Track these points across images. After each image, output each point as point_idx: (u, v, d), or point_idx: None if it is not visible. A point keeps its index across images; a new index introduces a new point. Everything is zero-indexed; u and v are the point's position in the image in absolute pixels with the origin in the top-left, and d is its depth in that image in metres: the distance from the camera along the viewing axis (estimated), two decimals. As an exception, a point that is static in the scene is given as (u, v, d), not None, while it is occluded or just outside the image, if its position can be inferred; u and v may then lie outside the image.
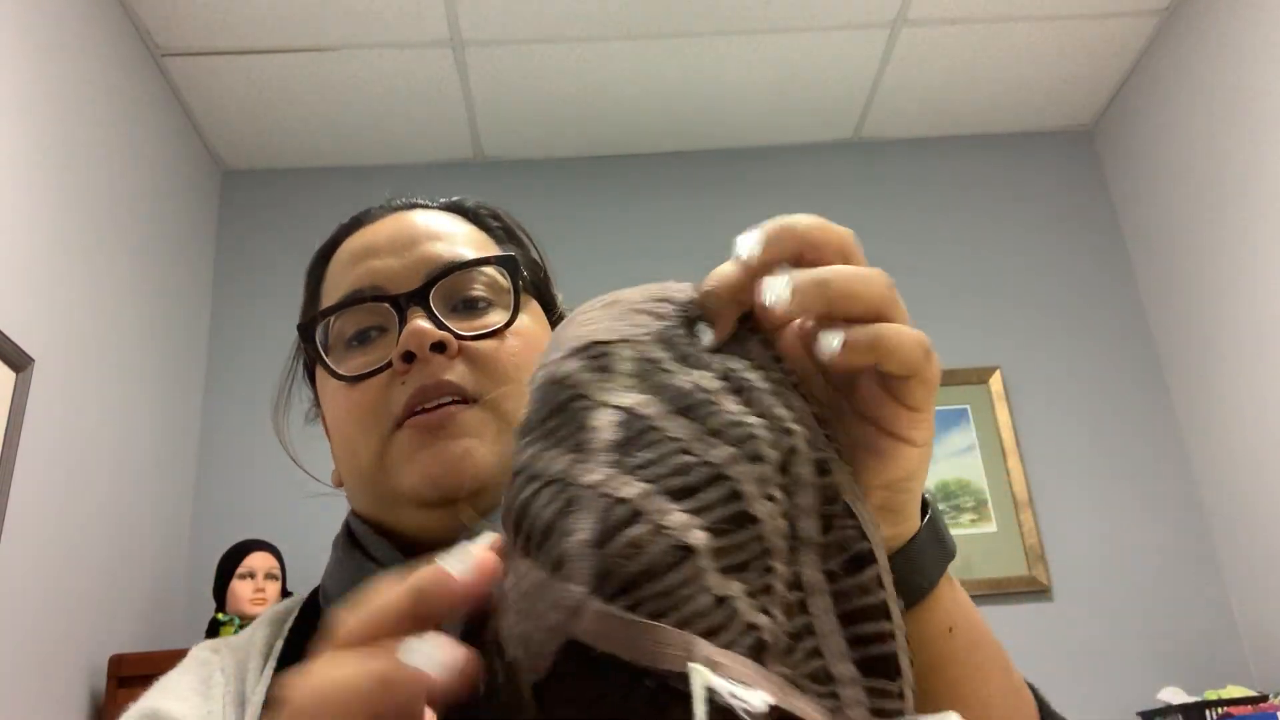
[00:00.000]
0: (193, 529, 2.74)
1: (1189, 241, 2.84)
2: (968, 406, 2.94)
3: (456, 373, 0.58)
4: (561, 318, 0.70)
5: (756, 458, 0.30)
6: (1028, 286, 3.10)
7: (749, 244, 0.34)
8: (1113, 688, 2.59)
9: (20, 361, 1.98)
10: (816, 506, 0.31)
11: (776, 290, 0.32)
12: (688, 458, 0.29)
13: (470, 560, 0.29)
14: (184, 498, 2.74)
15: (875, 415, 0.37)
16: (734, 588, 0.27)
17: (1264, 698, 2.35)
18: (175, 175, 2.84)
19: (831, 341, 0.33)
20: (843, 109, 3.15)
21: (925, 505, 0.43)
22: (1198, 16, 2.74)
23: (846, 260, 0.35)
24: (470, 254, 0.63)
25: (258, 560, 2.42)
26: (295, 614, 0.64)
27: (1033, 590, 2.73)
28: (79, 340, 2.24)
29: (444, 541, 0.58)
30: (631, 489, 0.28)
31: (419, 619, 0.28)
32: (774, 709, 0.25)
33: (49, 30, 2.21)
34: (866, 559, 0.32)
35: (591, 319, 0.34)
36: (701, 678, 0.24)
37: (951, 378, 2.95)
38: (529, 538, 0.28)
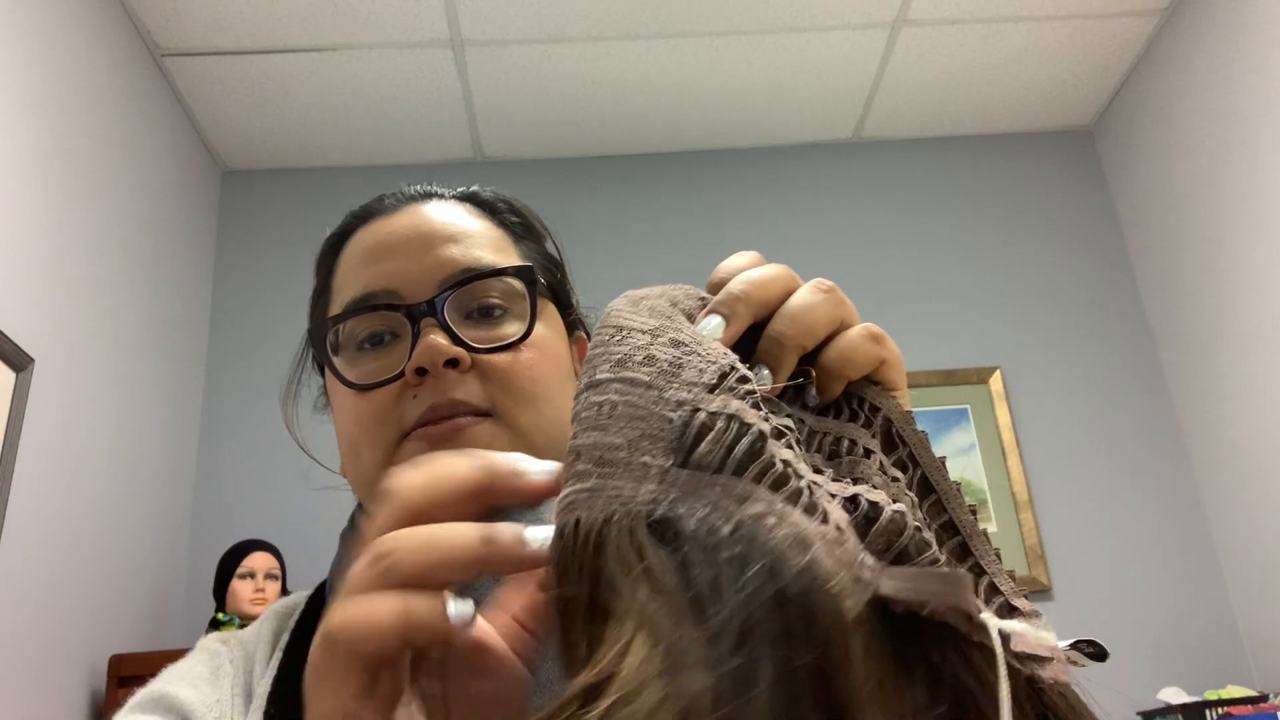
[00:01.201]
0: (193, 529, 2.74)
1: (1189, 241, 2.84)
2: (968, 406, 2.94)
3: (469, 389, 0.57)
4: (576, 317, 0.69)
5: (889, 444, 0.36)
6: (1028, 286, 3.10)
7: (714, 327, 0.37)
8: (1113, 687, 2.59)
9: (20, 361, 1.98)
10: (935, 460, 0.36)
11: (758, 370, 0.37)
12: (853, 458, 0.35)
13: (546, 467, 0.31)
14: (184, 498, 2.74)
15: None
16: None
17: (1264, 698, 2.35)
18: (175, 175, 2.85)
19: (811, 391, 0.38)
20: (843, 109, 3.15)
21: None
22: (1198, 16, 2.74)
23: (790, 287, 0.39)
24: (487, 256, 0.62)
25: (258, 560, 2.42)
26: (301, 608, 0.64)
27: (1033, 590, 2.73)
28: (79, 340, 2.24)
29: None
30: (849, 488, 0.32)
31: (484, 498, 0.30)
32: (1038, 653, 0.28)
33: (49, 30, 2.21)
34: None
35: (682, 325, 0.37)
36: (995, 623, 0.28)
37: (951, 378, 2.96)
38: (796, 495, 0.30)
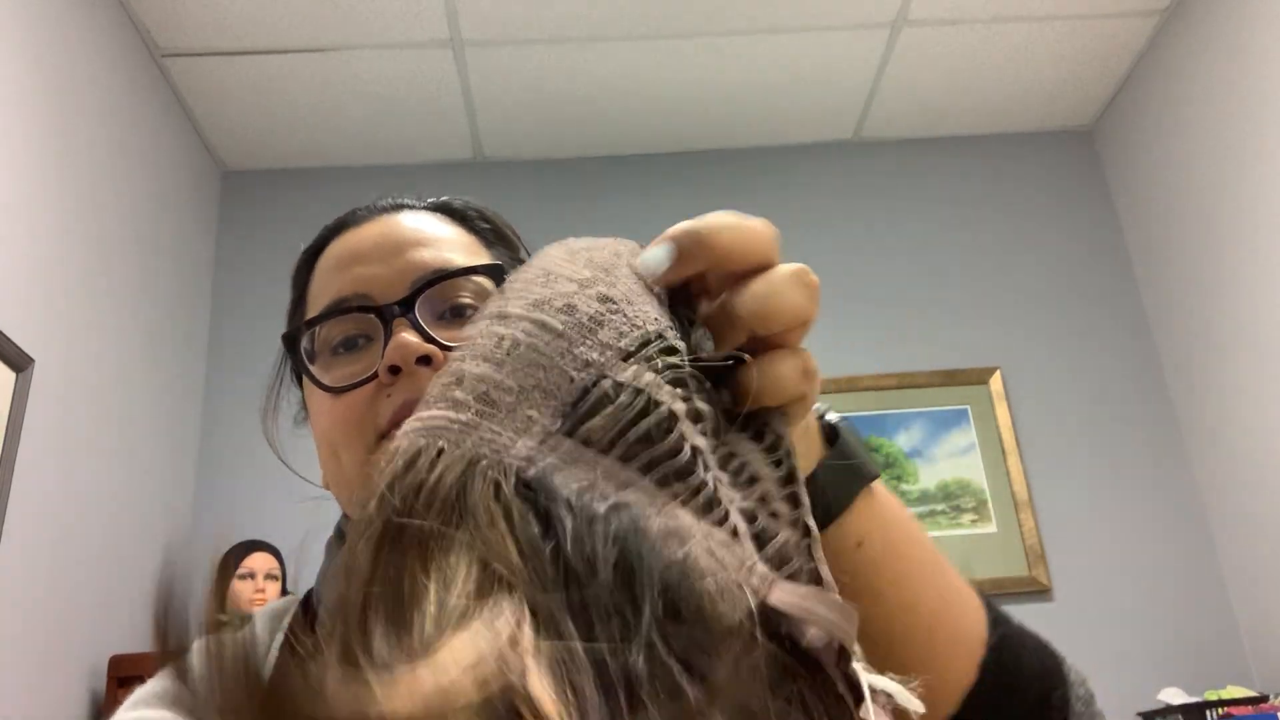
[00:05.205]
0: (193, 529, 2.74)
1: (1189, 241, 2.84)
2: (968, 406, 2.94)
3: None
4: None
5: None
6: (1028, 286, 3.10)
7: (659, 261, 0.35)
8: (1113, 688, 2.59)
9: (20, 361, 1.98)
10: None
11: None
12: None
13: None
14: (184, 498, 2.74)
15: None
16: None
17: (1264, 698, 2.35)
18: (175, 175, 2.84)
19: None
20: (843, 109, 3.15)
21: (839, 434, 0.45)
22: (1198, 16, 2.74)
23: (766, 257, 0.38)
24: (458, 260, 0.62)
25: (258, 561, 2.42)
26: (291, 614, 0.64)
27: (1033, 590, 2.73)
28: (79, 340, 2.24)
29: None
30: (747, 500, 0.32)
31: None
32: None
33: (49, 30, 2.21)
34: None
35: (618, 280, 0.35)
36: (867, 678, 0.28)
37: (951, 378, 2.95)
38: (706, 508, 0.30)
